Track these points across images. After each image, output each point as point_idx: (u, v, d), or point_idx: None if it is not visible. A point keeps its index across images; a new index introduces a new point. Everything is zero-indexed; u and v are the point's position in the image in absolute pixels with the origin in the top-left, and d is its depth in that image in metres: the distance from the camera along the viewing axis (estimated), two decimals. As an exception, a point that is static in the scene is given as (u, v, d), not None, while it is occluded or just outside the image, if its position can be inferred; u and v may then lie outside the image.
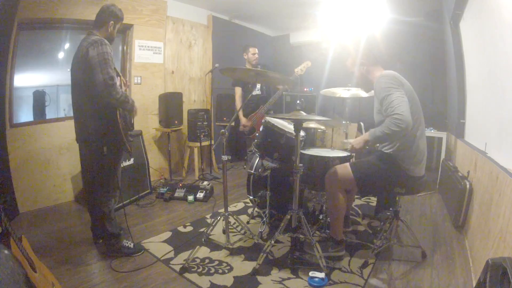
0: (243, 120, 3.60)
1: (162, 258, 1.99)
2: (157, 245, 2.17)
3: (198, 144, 3.83)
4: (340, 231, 1.97)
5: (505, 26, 1.70)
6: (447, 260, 1.98)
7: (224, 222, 2.12)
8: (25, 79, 2.99)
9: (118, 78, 1.88)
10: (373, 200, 3.01)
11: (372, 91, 2.37)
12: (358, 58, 1.92)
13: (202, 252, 2.06)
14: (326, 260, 1.84)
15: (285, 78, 2.25)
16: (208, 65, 4.44)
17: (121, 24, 1.98)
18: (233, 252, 2.05)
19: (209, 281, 1.74)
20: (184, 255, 2.01)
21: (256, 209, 2.63)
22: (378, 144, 1.96)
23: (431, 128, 3.62)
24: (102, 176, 1.94)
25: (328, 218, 2.31)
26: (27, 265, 1.13)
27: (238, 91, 3.75)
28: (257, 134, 2.40)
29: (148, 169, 3.25)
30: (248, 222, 2.58)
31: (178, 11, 3.99)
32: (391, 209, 2.04)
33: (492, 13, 1.92)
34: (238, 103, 3.76)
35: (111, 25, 1.90)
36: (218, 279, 1.76)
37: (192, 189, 3.16)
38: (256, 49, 3.69)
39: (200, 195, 3.08)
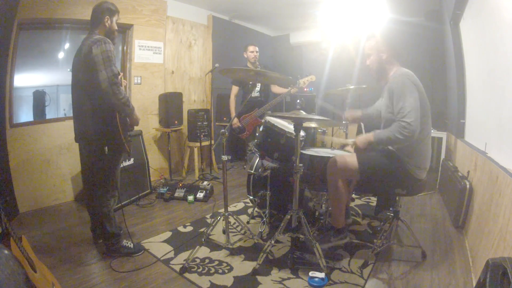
0: (234, 120, 3.62)
1: (162, 258, 1.99)
2: (157, 245, 2.17)
3: (198, 144, 3.83)
4: (342, 219, 1.98)
5: (505, 26, 1.70)
6: (447, 260, 1.98)
7: (224, 222, 2.12)
8: (25, 79, 2.99)
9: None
10: (373, 200, 3.01)
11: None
12: (379, 43, 1.90)
13: (202, 252, 2.06)
14: (326, 260, 1.83)
15: (284, 78, 2.23)
16: (208, 65, 4.43)
17: (118, 15, 1.95)
18: (233, 252, 2.05)
19: (209, 281, 1.74)
20: (184, 255, 2.01)
21: (256, 209, 2.63)
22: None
23: (431, 128, 3.61)
24: (102, 176, 1.93)
25: (328, 218, 2.31)
26: (27, 265, 1.13)
27: (234, 90, 3.78)
28: (256, 134, 2.39)
29: (148, 169, 3.25)
30: (248, 222, 2.58)
31: (178, 11, 3.99)
32: (391, 209, 2.04)
33: (492, 13, 1.92)
34: (232, 101, 3.80)
35: (107, 20, 1.88)
36: (218, 279, 1.76)
37: (192, 189, 3.15)
38: (256, 47, 3.68)
39: (200, 195, 3.08)
